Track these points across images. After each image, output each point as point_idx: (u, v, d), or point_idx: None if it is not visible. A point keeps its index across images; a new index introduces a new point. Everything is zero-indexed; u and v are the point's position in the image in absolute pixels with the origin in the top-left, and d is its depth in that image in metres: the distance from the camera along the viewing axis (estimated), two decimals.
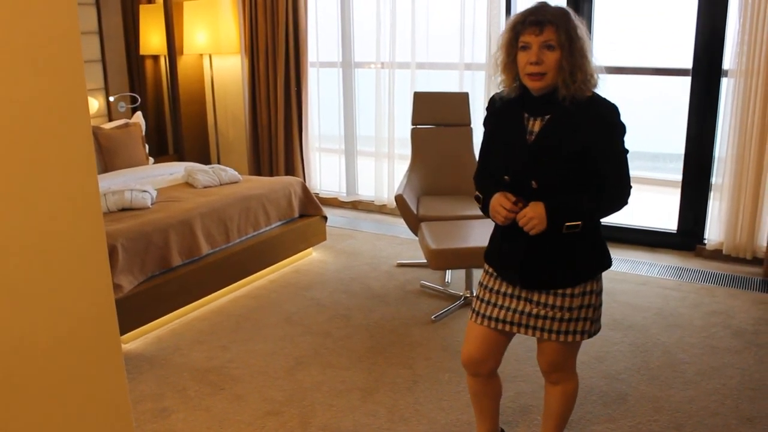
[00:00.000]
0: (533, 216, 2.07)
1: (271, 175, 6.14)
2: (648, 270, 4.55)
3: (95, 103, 5.49)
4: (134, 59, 6.30)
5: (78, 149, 1.64)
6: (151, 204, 4.25)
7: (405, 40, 5.41)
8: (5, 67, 1.46)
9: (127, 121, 5.47)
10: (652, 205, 6.54)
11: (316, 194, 6.19)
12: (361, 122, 6.03)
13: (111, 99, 5.58)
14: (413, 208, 4.28)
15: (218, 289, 4.20)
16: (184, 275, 3.96)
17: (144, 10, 6.03)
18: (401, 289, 4.33)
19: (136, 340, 3.74)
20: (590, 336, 2.24)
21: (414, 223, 4.25)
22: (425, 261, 4.09)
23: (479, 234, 3.96)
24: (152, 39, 6.21)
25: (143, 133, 5.49)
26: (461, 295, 4.10)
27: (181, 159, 6.20)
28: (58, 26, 1.57)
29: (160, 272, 3.89)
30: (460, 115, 4.67)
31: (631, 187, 2.15)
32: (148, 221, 3.90)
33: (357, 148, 6.08)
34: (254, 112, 6.13)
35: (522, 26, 2.04)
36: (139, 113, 5.63)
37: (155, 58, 6.39)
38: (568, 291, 2.17)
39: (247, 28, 5.93)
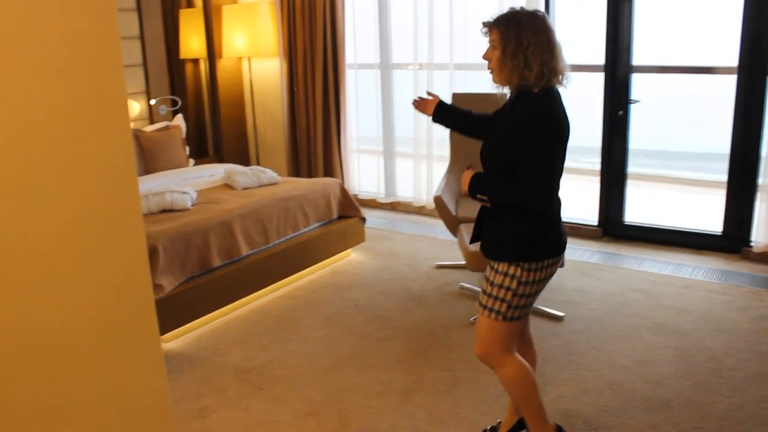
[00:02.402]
0: (463, 179, 2.43)
1: (309, 176, 6.17)
2: (692, 273, 4.45)
3: (137, 107, 5.58)
4: (175, 63, 6.39)
5: (118, 153, 1.65)
6: (191, 205, 4.30)
7: (443, 41, 5.38)
8: (47, 73, 1.48)
9: (168, 123, 5.54)
10: (696, 206, 6.41)
11: (355, 195, 6.19)
12: (399, 123, 6.02)
13: (152, 102, 5.66)
14: (452, 209, 4.26)
15: (258, 290, 4.22)
16: (224, 276, 4.00)
17: (184, 15, 6.11)
18: (440, 290, 4.31)
19: (176, 340, 3.78)
20: (505, 319, 2.38)
21: (453, 224, 4.23)
22: (464, 262, 4.06)
23: None
24: (192, 43, 6.29)
25: (183, 135, 5.56)
26: None
27: (221, 161, 6.27)
28: (99, 32, 1.58)
29: (200, 273, 3.93)
30: None
31: (530, 190, 2.28)
32: (188, 222, 3.95)
33: (395, 149, 6.07)
34: (293, 114, 6.16)
35: (482, 30, 2.40)
36: (179, 116, 5.70)
37: (195, 61, 6.46)
38: (495, 265, 2.39)
39: (285, 31, 5.96)
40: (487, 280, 2.41)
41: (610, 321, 3.79)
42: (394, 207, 6.08)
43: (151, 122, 5.70)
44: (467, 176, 2.42)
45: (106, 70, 1.60)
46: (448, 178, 4.60)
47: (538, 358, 3.19)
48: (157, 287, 3.64)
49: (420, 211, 5.91)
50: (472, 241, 2.57)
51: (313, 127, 6.02)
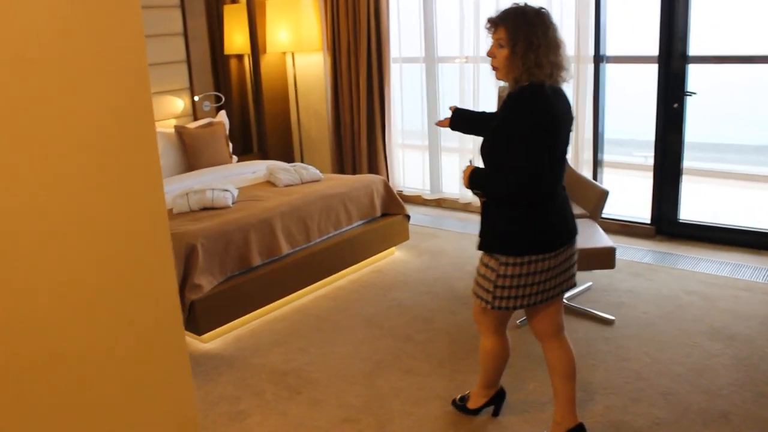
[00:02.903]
0: (464, 174, 2.47)
1: (353, 173, 6.09)
2: (752, 274, 4.22)
3: (180, 103, 5.58)
4: (219, 59, 6.38)
5: (143, 155, 1.62)
6: (232, 203, 4.25)
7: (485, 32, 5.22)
8: (69, 75, 1.45)
9: (211, 120, 5.53)
10: (755, 202, 6.12)
11: (400, 192, 6.10)
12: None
13: (196, 99, 5.65)
14: None
15: (298, 289, 4.16)
16: (264, 275, 3.94)
17: (228, 10, 6.09)
18: None
19: (215, 340, 3.74)
20: (487, 304, 2.48)
21: None
22: None
23: None
24: (236, 38, 6.27)
25: (227, 131, 5.53)
26: None
27: (264, 157, 6.24)
28: (124, 32, 1.54)
29: (240, 272, 3.88)
30: None
31: (516, 177, 2.29)
32: (229, 221, 3.90)
33: (441, 144, 5.94)
34: (337, 109, 6.09)
35: (486, 27, 2.38)
36: (222, 112, 5.68)
37: (239, 57, 6.44)
38: (483, 257, 2.49)
39: (329, 26, 5.89)
40: (477, 268, 2.53)
41: (664, 325, 3.61)
42: (439, 204, 5.95)
43: (195, 119, 5.69)
44: (467, 171, 2.46)
45: (131, 72, 1.56)
46: None
47: (585, 363, 3.06)
48: (195, 287, 3.61)
49: (466, 207, 5.77)
50: (479, 236, 2.58)
51: (357, 122, 5.94)
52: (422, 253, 4.89)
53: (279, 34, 5.98)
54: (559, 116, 2.33)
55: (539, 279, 2.41)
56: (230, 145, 5.58)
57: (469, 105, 5.48)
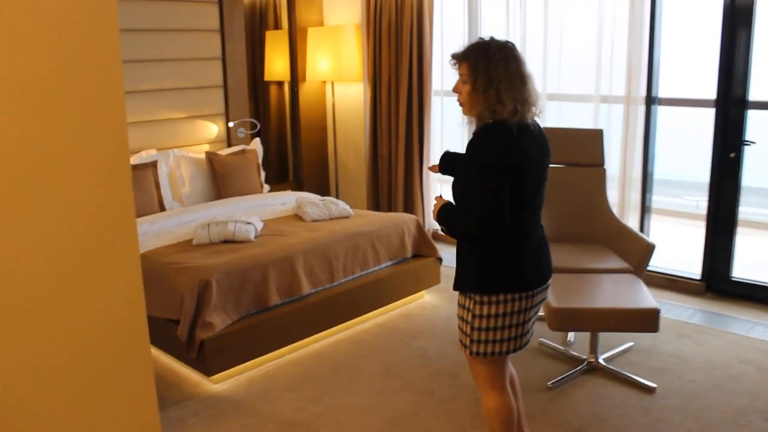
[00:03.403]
0: (434, 208, 2.44)
1: (389, 206, 5.87)
2: None
3: (214, 129, 5.45)
4: (259, 85, 6.28)
5: (115, 179, 1.56)
6: (255, 237, 4.07)
7: (535, 69, 4.96)
8: (42, 102, 1.43)
9: (244, 147, 5.39)
10: None
11: (435, 231, 5.85)
12: None
13: (230, 125, 5.52)
14: None
15: (318, 332, 3.94)
16: (282, 315, 3.73)
17: (270, 36, 5.99)
18: None
19: (226, 381, 3.54)
20: (472, 353, 2.38)
21: None
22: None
23: (610, 292, 3.47)
24: (276, 65, 6.17)
25: (259, 160, 5.38)
26: (584, 360, 3.60)
27: (299, 187, 6.08)
28: (100, 59, 1.42)
29: (257, 311, 3.68)
30: (593, 154, 4.19)
31: (473, 219, 2.22)
32: (247, 256, 3.71)
33: None
34: (375, 141, 5.89)
35: (450, 62, 2.38)
36: (257, 140, 5.54)
37: (279, 84, 6.33)
38: (458, 297, 2.42)
39: (370, 55, 5.72)
40: (456, 312, 2.46)
41: (713, 398, 3.26)
42: None
43: (229, 145, 5.56)
44: (438, 204, 2.43)
45: (106, 98, 1.43)
46: None
47: None
48: (207, 325, 3.42)
49: None
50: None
51: (395, 155, 5.73)
52: (453, 298, 4.58)
53: (320, 63, 5.84)
54: (525, 154, 2.24)
55: (515, 321, 2.34)
56: (262, 173, 5.43)
57: None
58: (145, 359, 1.62)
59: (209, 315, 3.44)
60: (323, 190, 6.32)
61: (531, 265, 2.35)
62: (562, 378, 3.45)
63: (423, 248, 4.59)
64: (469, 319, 2.35)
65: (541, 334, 3.98)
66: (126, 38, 4.77)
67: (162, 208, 4.71)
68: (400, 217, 4.57)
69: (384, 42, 5.59)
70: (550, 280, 2.45)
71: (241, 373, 3.61)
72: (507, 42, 2.29)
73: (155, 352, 3.86)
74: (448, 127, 5.72)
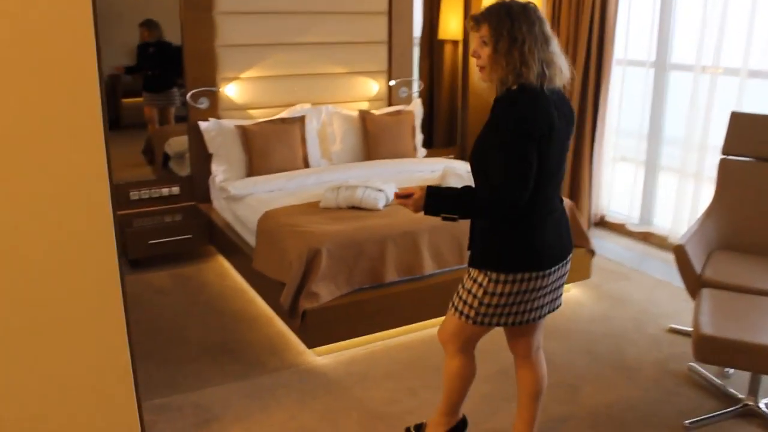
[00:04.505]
0: (413, 204, 2.24)
1: None
2: None
3: (374, 87, 5.24)
4: (433, 43, 5.95)
5: (88, 153, 1.48)
6: (383, 206, 3.81)
7: (737, 40, 4.17)
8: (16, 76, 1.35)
9: (401, 108, 5.12)
10: None
11: (602, 216, 5.25)
12: (668, 131, 4.88)
13: (392, 83, 5.27)
14: (696, 265, 3.24)
15: (436, 316, 3.62)
16: (398, 294, 3.47)
17: None
18: (661, 365, 3.32)
19: (328, 355, 3.37)
20: (468, 320, 2.31)
21: (693, 285, 3.22)
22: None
23: None
24: (451, 23, 5.80)
25: (415, 122, 5.09)
26: (740, 400, 2.96)
27: (463, 152, 5.74)
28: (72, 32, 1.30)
29: (370, 286, 3.45)
30: None
31: (505, 190, 2.07)
32: (366, 227, 3.47)
33: (661, 162, 4.94)
34: None
35: (469, 25, 2.22)
36: (416, 101, 5.26)
37: (455, 43, 5.96)
38: (471, 271, 2.30)
39: (548, 15, 5.15)
40: (462, 281, 2.35)
41: None
42: (646, 238, 5.00)
43: (389, 104, 5.33)
44: (418, 198, 2.23)
45: (78, 73, 1.26)
46: (704, 221, 3.54)
47: None
48: (312, 295, 3.25)
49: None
50: (468, 248, 2.38)
51: None
52: (602, 297, 4.08)
53: None
54: (552, 121, 2.10)
55: (528, 298, 2.26)
56: (418, 137, 5.15)
57: (697, 124, 4.47)
58: (123, 358, 1.45)
59: (316, 285, 3.26)
60: None
61: (553, 242, 2.24)
62: (705, 418, 2.87)
63: (574, 238, 4.06)
64: (479, 294, 2.26)
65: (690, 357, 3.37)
66: None
67: (306, 165, 4.61)
68: None
69: (564, 1, 5.00)
70: (570, 255, 2.34)
71: (346, 349, 3.42)
72: (529, 2, 2.15)
73: (270, 313, 3.78)
74: (629, 103, 5.03)
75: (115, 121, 5.40)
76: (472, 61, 2.25)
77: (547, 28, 2.15)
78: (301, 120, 4.62)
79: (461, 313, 2.33)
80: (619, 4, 4.75)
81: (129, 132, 5.31)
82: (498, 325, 2.33)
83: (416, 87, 5.45)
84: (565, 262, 2.31)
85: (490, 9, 2.15)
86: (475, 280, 2.28)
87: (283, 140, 4.49)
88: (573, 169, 5.19)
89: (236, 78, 4.72)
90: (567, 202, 4.07)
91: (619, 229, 5.14)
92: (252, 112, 4.81)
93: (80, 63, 1.34)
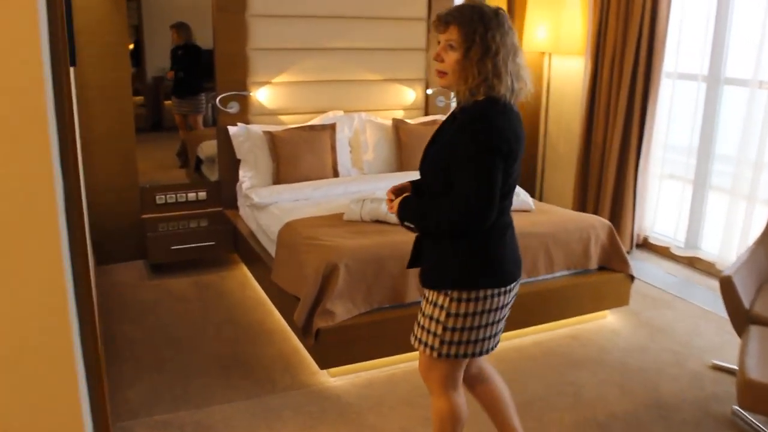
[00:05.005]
0: (395, 206, 2.18)
1: (596, 205, 5.08)
2: None
3: (411, 95, 5.06)
4: None
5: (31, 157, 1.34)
6: None
7: None
8: None
9: (437, 117, 4.94)
10: None
11: (645, 237, 4.97)
12: (720, 149, 4.57)
13: (429, 92, 5.10)
14: (745, 299, 2.98)
15: None
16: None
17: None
18: (701, 405, 3.05)
19: (343, 377, 3.21)
20: (440, 355, 2.14)
21: (740, 319, 2.96)
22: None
23: None
24: None
25: None
26: None
27: None
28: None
29: (390, 306, 3.27)
30: None
31: (463, 202, 1.98)
32: (388, 243, 3.30)
33: (710, 182, 4.64)
34: (589, 125, 5.11)
35: (434, 24, 2.07)
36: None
37: None
38: (427, 294, 2.17)
39: (595, 25, 4.91)
40: (421, 309, 2.20)
41: None
42: (692, 263, 4.70)
43: (426, 113, 5.16)
44: (394, 201, 2.20)
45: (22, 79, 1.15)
46: (755, 249, 3.27)
47: None
48: (327, 313, 3.09)
49: None
50: (408, 266, 2.30)
51: (609, 145, 4.91)
52: (641, 325, 3.83)
53: (538, 31, 5.17)
54: (518, 137, 2.02)
55: (493, 318, 2.14)
56: None
57: (752, 143, 4.17)
58: (69, 368, 1.35)
59: (332, 302, 3.10)
60: (527, 172, 5.70)
61: (510, 257, 2.14)
62: None
63: (612, 261, 3.83)
64: (442, 318, 2.11)
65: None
66: None
67: (336, 174, 4.46)
68: (589, 220, 3.85)
69: (612, 10, 4.75)
70: (521, 276, 2.24)
71: (363, 371, 3.25)
72: (499, 8, 2.03)
73: (287, 327, 3.63)
74: (678, 118, 4.75)
75: (158, 123, 5.35)
76: None
77: (516, 38, 2.04)
78: (331, 127, 4.48)
79: (425, 345, 2.17)
80: (671, 14, 4.48)
81: (170, 134, 5.27)
82: (466, 355, 2.16)
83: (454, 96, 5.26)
84: (519, 280, 2.21)
85: (462, 10, 2.00)
86: (435, 304, 2.13)
87: (311, 148, 4.35)
88: (616, 186, 4.92)
89: (267, 82, 4.60)
90: (604, 222, 3.84)
91: (662, 252, 4.86)
92: (283, 117, 4.69)
93: (22, 61, 1.22)
